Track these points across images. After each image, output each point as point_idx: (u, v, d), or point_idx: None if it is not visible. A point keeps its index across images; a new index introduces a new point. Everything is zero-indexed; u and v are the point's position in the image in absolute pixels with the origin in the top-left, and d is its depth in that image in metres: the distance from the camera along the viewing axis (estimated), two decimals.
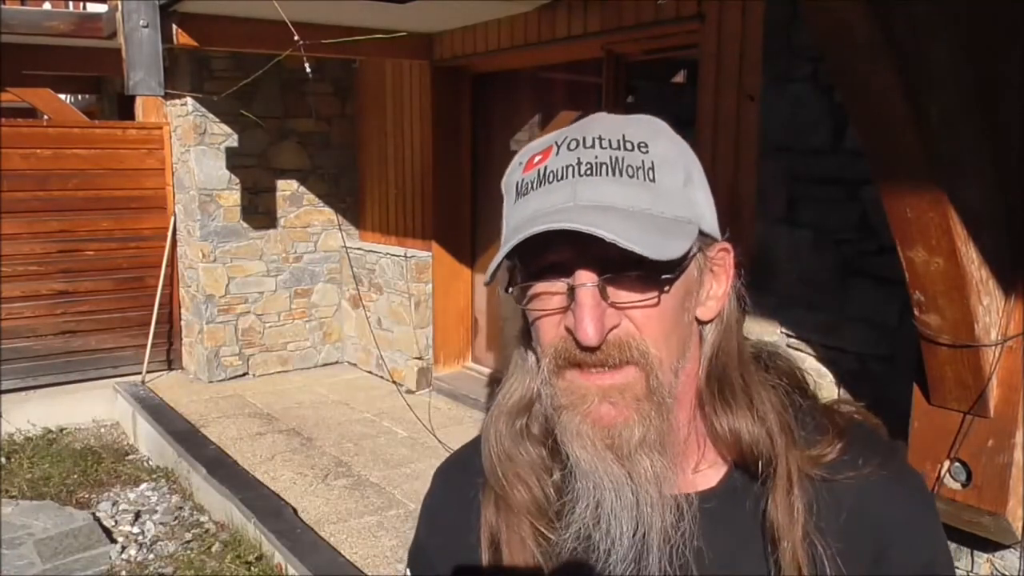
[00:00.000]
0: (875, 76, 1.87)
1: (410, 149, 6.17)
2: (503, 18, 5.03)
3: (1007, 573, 2.40)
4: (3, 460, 5.47)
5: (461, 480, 0.91)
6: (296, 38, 3.60)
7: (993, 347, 2.16)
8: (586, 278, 0.73)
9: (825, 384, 2.95)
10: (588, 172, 0.75)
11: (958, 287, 2.06)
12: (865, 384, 2.84)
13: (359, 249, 6.65)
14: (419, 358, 6.17)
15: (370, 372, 6.67)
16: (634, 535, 0.76)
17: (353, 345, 6.89)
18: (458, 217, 6.09)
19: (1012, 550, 2.38)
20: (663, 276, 0.74)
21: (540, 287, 0.77)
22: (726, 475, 0.82)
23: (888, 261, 2.49)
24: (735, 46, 3.60)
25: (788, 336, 3.05)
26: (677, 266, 0.75)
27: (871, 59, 1.84)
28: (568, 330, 0.75)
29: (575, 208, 0.73)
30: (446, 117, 5.91)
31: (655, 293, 0.75)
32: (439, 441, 4.99)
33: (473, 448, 0.94)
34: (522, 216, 0.77)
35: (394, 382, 6.10)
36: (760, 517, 0.79)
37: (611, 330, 0.74)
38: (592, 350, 0.74)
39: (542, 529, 0.81)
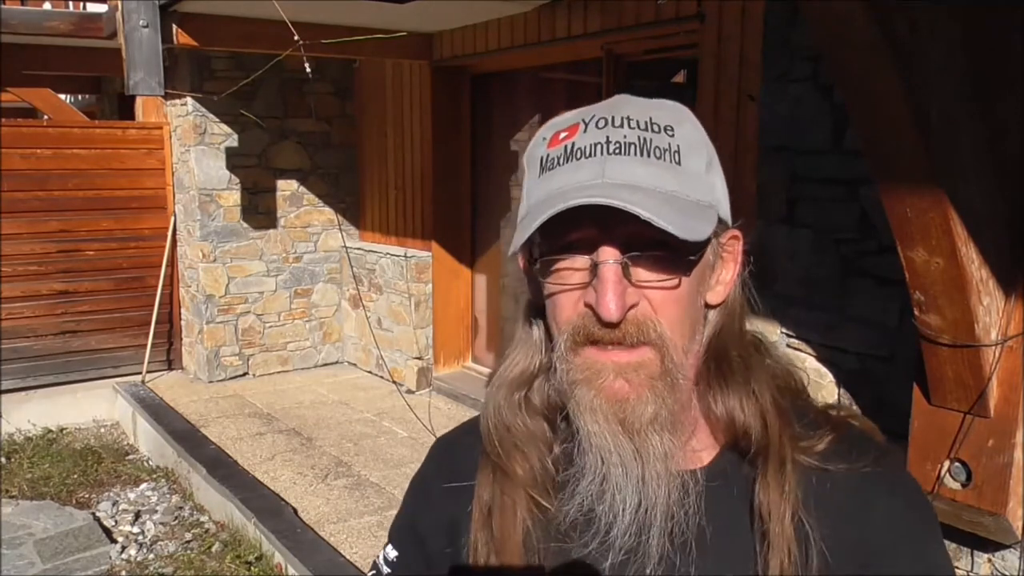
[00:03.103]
0: (875, 76, 1.87)
1: (410, 149, 6.17)
2: (503, 18, 5.03)
3: (1007, 573, 2.40)
4: (3, 460, 5.47)
5: (455, 456, 0.92)
6: (296, 38, 3.60)
7: (993, 347, 2.16)
8: (611, 255, 0.74)
9: (825, 384, 2.95)
10: (617, 151, 0.75)
11: (958, 287, 2.06)
12: (865, 384, 2.84)
13: (359, 249, 6.65)
14: (419, 358, 6.17)
15: (370, 372, 6.67)
16: (637, 510, 0.76)
17: (353, 345, 6.89)
18: (458, 217, 6.09)
19: (1012, 550, 2.38)
20: (688, 258, 0.76)
21: (562, 263, 0.77)
22: (717, 455, 0.83)
23: (888, 261, 2.49)
24: (735, 46, 3.60)
25: (788, 336, 3.04)
26: (699, 249, 0.76)
27: (871, 59, 1.84)
28: (588, 306, 0.76)
29: (604, 185, 0.73)
30: (446, 117, 5.90)
31: (677, 275, 0.76)
32: None
33: (466, 428, 0.95)
34: (547, 191, 0.77)
35: (394, 382, 6.10)
36: (749, 495, 0.79)
37: (630, 308, 0.75)
38: (612, 327, 0.75)
39: (539, 499, 0.82)
